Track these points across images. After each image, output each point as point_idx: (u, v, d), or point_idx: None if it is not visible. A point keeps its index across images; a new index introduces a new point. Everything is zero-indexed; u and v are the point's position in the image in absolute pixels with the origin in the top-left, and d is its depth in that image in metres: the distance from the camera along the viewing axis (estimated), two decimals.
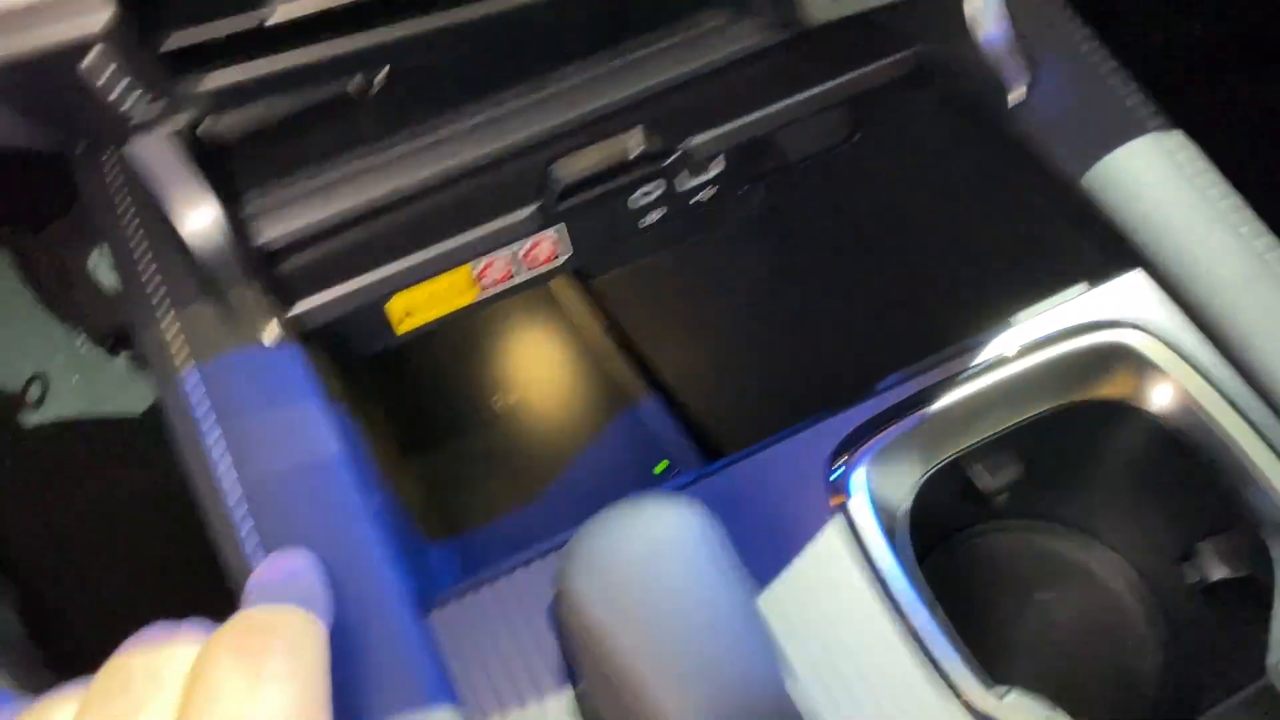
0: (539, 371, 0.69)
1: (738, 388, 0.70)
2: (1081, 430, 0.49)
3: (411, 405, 0.70)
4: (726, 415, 0.65)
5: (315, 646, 0.27)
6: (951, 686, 0.38)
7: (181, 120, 0.43)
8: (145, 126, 0.42)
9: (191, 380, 0.46)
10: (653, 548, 0.30)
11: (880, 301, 0.67)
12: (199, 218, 0.46)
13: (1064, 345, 0.47)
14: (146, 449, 0.99)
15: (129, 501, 0.94)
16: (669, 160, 0.54)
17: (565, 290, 0.70)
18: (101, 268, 1.06)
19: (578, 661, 0.32)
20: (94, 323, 1.05)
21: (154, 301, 0.48)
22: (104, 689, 0.26)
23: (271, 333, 0.48)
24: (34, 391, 1.02)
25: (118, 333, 1.05)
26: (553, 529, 0.42)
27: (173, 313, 0.48)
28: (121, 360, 1.05)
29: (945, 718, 0.37)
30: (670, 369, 0.67)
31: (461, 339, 0.71)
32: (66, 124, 0.44)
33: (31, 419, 1.01)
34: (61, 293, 1.05)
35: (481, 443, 0.64)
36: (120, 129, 0.42)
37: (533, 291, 0.71)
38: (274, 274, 0.50)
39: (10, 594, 0.89)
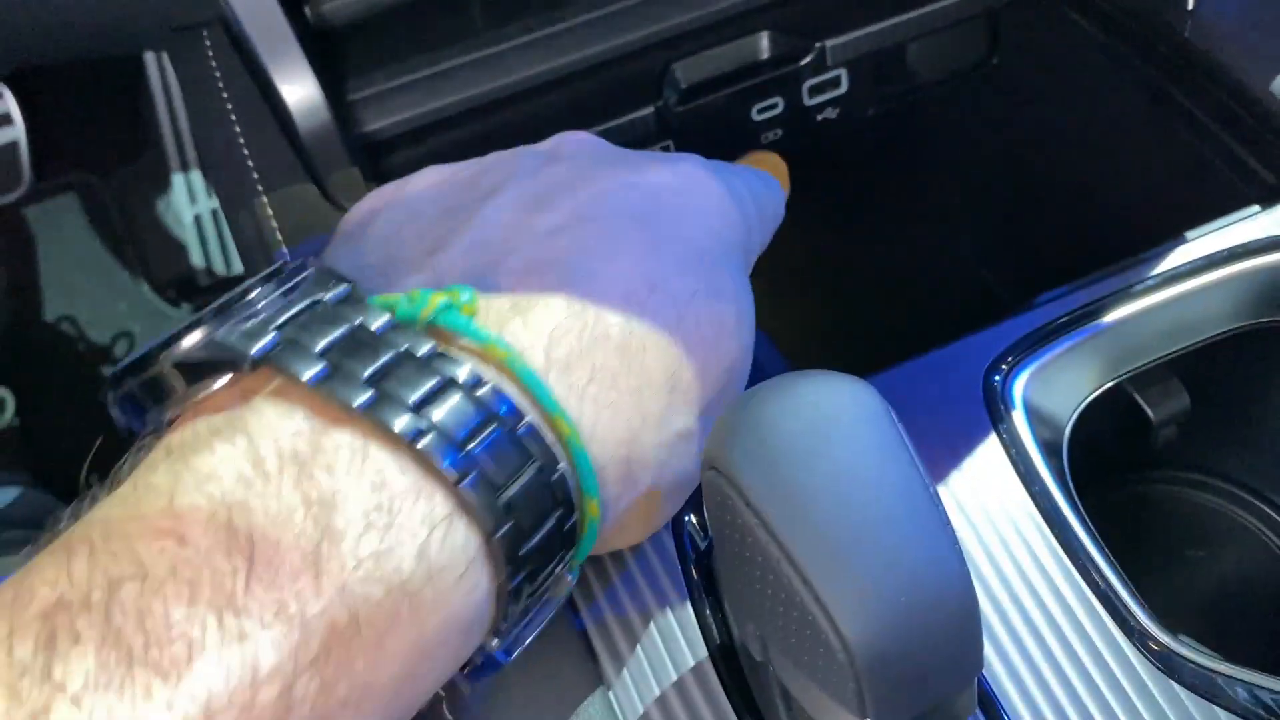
0: None
1: (853, 325, 0.65)
2: (1261, 363, 0.44)
3: None
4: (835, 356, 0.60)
5: None
6: (1123, 621, 0.34)
7: None
8: None
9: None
10: (823, 422, 0.25)
11: (1019, 229, 0.62)
12: (303, 91, 0.43)
13: (1252, 260, 0.42)
14: None
15: None
16: (802, 62, 0.50)
17: None
18: (169, 216, 1.05)
19: (723, 550, 0.27)
20: (158, 271, 1.03)
21: (251, 178, 0.44)
22: None
23: None
24: (120, 347, 0.99)
25: (181, 284, 1.03)
26: None
27: (267, 197, 0.44)
28: (184, 312, 1.03)
29: (1116, 652, 0.33)
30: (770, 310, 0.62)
31: None
32: None
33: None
34: (127, 239, 1.03)
35: None
36: None
37: None
38: (375, 166, 0.47)
39: None
